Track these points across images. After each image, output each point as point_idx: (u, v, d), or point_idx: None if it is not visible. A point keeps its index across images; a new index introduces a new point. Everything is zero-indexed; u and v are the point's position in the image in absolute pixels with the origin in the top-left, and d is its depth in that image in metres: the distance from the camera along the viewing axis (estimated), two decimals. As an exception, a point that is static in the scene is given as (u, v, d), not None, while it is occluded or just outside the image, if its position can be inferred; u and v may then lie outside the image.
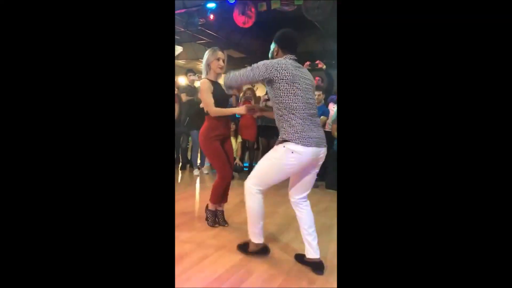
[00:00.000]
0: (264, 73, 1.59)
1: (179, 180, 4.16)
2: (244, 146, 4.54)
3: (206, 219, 2.38)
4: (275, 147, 1.65)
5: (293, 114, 1.58)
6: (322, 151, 1.65)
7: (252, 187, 1.72)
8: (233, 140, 4.18)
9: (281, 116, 1.61)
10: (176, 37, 5.48)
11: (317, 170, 1.74)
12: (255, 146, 4.89)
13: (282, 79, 1.56)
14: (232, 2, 4.80)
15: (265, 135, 4.64)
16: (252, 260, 1.85)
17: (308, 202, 1.81)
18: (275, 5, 4.54)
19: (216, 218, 2.37)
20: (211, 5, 5.02)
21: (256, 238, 1.80)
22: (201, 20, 5.17)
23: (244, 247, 1.89)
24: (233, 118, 4.38)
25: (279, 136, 1.63)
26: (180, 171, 4.62)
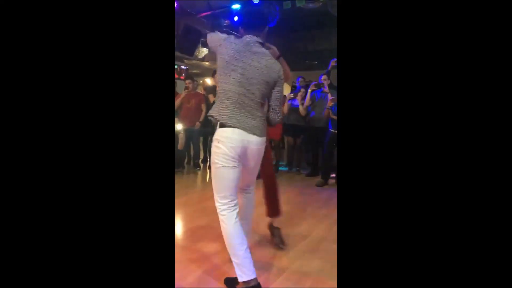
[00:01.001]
0: (213, 42, 1.45)
1: (207, 179, 4.20)
2: (270, 145, 4.50)
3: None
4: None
5: (223, 95, 1.40)
6: (254, 139, 1.41)
7: (219, 208, 1.46)
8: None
9: (217, 92, 1.47)
10: (202, 39, 5.52)
11: (254, 164, 1.50)
12: (281, 145, 4.84)
13: (222, 56, 1.40)
14: (257, 2, 4.77)
15: (291, 134, 4.58)
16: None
17: (253, 193, 1.66)
18: (300, 3, 4.46)
19: None
20: (236, 6, 5.02)
21: (241, 274, 1.39)
22: (226, 21, 5.19)
23: (231, 282, 1.52)
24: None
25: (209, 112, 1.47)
26: (208, 170, 4.67)
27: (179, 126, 4.30)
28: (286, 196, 3.24)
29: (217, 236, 2.13)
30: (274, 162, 4.52)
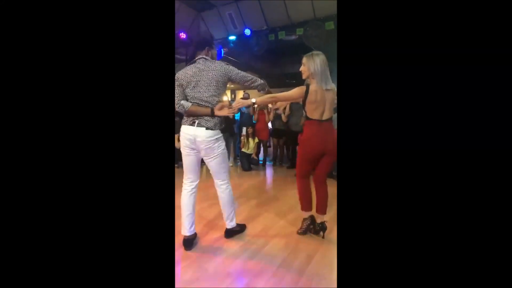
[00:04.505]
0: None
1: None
2: (259, 145, 4.56)
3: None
4: None
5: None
6: (198, 130, 1.50)
7: (184, 183, 1.63)
8: (250, 140, 4.21)
9: None
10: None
11: (209, 156, 1.56)
12: (268, 145, 4.92)
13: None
14: (248, 34, 4.84)
15: (276, 136, 4.67)
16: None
17: (225, 186, 1.64)
18: (281, 36, 4.55)
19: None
20: (232, 37, 5.09)
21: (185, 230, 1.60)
22: (225, 49, 5.24)
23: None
24: (250, 123, 4.42)
25: None
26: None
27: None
28: (273, 183, 3.32)
29: (217, 215, 2.17)
30: (261, 158, 4.58)
